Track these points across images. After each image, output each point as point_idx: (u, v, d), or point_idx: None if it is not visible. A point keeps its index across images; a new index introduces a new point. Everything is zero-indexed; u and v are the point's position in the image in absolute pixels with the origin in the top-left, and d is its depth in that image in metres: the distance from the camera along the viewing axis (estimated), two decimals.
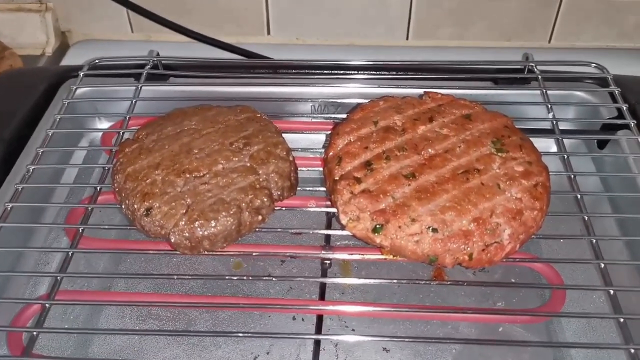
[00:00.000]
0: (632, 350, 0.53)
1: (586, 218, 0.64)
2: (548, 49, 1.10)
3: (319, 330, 0.64)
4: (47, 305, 0.58)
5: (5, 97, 0.84)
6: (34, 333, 0.56)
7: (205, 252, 0.62)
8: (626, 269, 0.68)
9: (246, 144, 0.67)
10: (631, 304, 0.59)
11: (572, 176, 0.68)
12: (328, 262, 0.67)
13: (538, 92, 0.79)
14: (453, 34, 1.10)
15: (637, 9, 1.06)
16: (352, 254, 0.64)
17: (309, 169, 0.71)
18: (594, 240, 0.62)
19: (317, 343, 0.63)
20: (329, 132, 0.74)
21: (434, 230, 0.58)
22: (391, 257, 0.61)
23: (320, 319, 0.65)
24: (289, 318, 0.70)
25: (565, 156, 0.70)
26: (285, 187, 0.65)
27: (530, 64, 0.83)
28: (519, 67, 0.84)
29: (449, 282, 0.70)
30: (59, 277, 0.60)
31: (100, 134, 0.82)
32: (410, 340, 0.67)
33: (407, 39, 1.11)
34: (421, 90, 0.75)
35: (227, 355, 0.67)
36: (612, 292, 0.58)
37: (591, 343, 0.66)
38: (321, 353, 0.64)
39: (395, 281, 0.70)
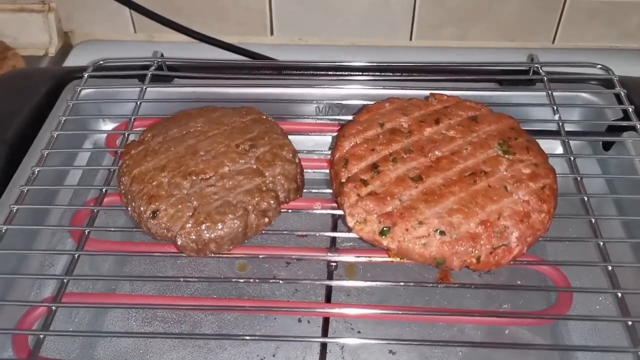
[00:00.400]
0: None
1: (593, 220, 0.64)
2: (552, 50, 1.10)
3: (325, 333, 0.64)
4: (53, 307, 0.58)
5: (9, 98, 0.84)
6: (41, 336, 0.56)
7: (212, 255, 0.61)
8: (633, 272, 0.68)
9: (252, 145, 0.67)
10: (639, 307, 0.58)
11: (579, 178, 0.68)
12: (334, 264, 0.67)
13: (544, 93, 0.79)
14: (457, 35, 1.09)
15: None
16: (358, 257, 0.64)
17: (315, 170, 0.71)
18: (602, 243, 0.62)
19: (324, 346, 0.63)
20: (335, 133, 0.73)
21: (442, 233, 0.58)
22: (398, 259, 0.61)
23: (326, 321, 0.65)
24: (294, 320, 0.70)
25: (572, 158, 0.70)
26: (291, 189, 0.65)
27: (536, 65, 0.83)
28: (524, 68, 0.84)
29: (456, 285, 0.69)
30: (65, 280, 0.60)
31: (104, 135, 0.82)
32: (417, 343, 0.67)
33: (410, 39, 1.11)
34: (426, 92, 0.75)
35: (233, 358, 0.67)
36: (619, 294, 0.58)
37: (598, 346, 0.66)
38: (327, 355, 0.64)
39: (401, 284, 0.70)
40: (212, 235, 0.60)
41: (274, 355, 0.67)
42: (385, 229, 0.59)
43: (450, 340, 0.68)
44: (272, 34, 1.11)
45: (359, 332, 0.69)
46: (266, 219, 0.62)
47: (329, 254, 0.64)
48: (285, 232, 0.73)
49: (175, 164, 0.65)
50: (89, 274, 0.74)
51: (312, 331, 0.69)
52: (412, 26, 1.09)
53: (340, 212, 0.63)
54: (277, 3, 1.07)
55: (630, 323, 0.56)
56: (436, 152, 0.65)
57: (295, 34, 1.12)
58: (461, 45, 1.11)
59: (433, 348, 0.67)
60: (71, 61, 1.06)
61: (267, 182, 0.64)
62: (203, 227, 0.59)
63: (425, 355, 0.67)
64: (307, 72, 0.87)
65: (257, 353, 0.67)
